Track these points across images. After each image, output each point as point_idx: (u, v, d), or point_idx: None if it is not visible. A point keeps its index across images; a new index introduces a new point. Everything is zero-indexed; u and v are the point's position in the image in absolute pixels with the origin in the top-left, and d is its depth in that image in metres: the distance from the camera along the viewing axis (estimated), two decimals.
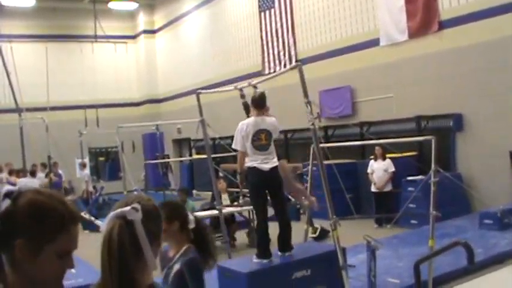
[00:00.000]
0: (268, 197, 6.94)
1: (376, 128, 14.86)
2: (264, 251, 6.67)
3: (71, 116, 24.68)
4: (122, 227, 1.76)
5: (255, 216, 11.99)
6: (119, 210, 1.81)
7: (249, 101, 7.29)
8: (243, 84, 7.87)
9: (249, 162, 6.80)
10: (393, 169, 12.71)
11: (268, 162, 6.75)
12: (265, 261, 6.61)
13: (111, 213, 1.81)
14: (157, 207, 1.95)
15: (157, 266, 1.85)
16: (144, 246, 1.78)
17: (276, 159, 6.90)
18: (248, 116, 7.34)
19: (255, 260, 6.73)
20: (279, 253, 6.86)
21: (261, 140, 6.74)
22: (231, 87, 8.02)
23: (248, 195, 15.87)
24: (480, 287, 7.27)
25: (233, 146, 7.02)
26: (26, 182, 16.27)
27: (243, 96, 7.84)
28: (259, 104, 6.90)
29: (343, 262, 6.34)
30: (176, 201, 5.69)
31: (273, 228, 7.05)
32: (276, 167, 6.84)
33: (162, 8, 27.82)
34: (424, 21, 13.60)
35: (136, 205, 1.81)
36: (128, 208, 1.80)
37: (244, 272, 6.22)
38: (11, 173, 17.44)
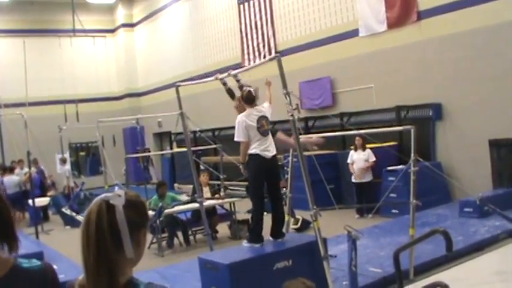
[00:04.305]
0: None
1: (356, 119, 14.92)
2: (257, 236, 6.97)
3: (50, 111, 24.48)
4: (102, 209, 1.81)
5: (235, 209, 12.15)
6: (103, 195, 1.85)
7: (234, 89, 7.79)
8: (223, 75, 7.92)
9: (251, 150, 7.05)
10: (374, 159, 12.76)
11: (269, 150, 7.09)
12: (257, 245, 6.88)
13: (96, 198, 1.86)
14: (143, 202, 1.99)
15: (133, 255, 1.85)
16: (123, 231, 1.81)
17: (274, 146, 7.22)
18: (233, 100, 7.75)
19: (246, 244, 6.99)
20: (271, 239, 7.13)
21: (263, 126, 7.10)
22: (210, 78, 8.05)
23: (231, 188, 15.99)
24: (461, 274, 7.35)
25: (236, 139, 7.18)
26: (7, 179, 16.17)
27: (225, 84, 7.98)
28: (249, 101, 7.20)
29: (325, 252, 6.38)
30: None
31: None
32: (275, 155, 7.22)
33: (140, 1, 27.64)
34: (403, 11, 13.66)
35: (120, 192, 1.87)
36: (111, 194, 1.85)
37: (226, 263, 6.23)
38: None
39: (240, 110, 7.43)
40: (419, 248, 7.40)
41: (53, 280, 2.11)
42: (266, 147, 7.06)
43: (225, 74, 7.99)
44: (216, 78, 8.17)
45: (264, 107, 7.31)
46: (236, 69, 9.01)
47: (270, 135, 7.21)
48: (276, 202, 7.28)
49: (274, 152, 7.17)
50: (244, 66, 16.98)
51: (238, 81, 7.79)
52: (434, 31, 12.99)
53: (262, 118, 7.12)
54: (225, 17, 20.62)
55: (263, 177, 7.12)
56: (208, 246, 9.36)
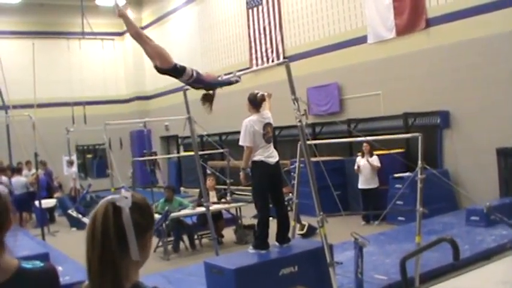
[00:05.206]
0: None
1: (363, 125, 14.89)
2: (263, 242, 6.96)
3: (58, 113, 24.55)
4: (108, 210, 1.80)
5: (241, 214, 12.14)
6: (110, 196, 1.84)
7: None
8: (228, 76, 7.95)
9: (255, 157, 7.08)
10: (379, 164, 12.72)
11: (273, 156, 7.15)
12: (263, 251, 6.87)
13: (102, 200, 1.85)
14: (149, 205, 1.98)
15: (139, 257, 1.84)
16: (129, 233, 1.80)
17: (276, 153, 7.30)
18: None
19: (252, 251, 6.95)
20: (278, 245, 7.13)
21: (268, 132, 7.18)
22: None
23: (237, 192, 15.98)
24: (467, 283, 7.31)
25: (241, 143, 7.20)
26: (15, 180, 16.22)
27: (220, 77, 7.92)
28: (257, 105, 7.27)
29: (331, 259, 6.37)
30: None
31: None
32: (278, 161, 7.28)
33: (149, 5, 27.71)
34: (412, 18, 13.64)
35: (127, 194, 1.84)
36: (118, 195, 1.83)
37: (232, 268, 6.22)
38: (4, 170, 17.28)
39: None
40: (426, 255, 7.37)
41: (55, 281, 2.11)
42: (270, 154, 7.11)
43: (231, 75, 8.01)
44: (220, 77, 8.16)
45: (268, 114, 7.37)
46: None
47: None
48: (280, 207, 7.31)
49: (277, 158, 7.23)
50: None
51: (237, 81, 7.81)
52: (443, 39, 12.98)
53: (267, 125, 7.19)
54: (234, 22, 20.66)
55: (268, 184, 7.13)
56: (214, 251, 9.37)
